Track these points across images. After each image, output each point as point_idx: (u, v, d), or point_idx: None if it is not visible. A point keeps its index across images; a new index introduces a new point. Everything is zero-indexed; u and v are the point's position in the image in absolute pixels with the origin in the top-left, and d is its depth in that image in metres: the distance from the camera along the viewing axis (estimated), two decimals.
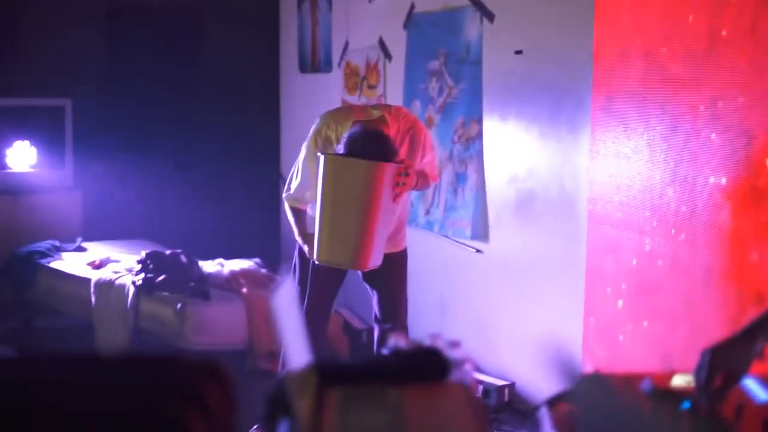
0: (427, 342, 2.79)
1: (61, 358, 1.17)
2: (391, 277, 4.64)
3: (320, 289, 4.71)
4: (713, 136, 3.53)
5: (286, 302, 1.91)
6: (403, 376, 2.15)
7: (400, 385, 2.06)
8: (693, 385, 2.06)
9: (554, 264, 4.62)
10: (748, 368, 2.04)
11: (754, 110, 3.35)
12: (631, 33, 3.99)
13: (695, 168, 3.63)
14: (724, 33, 3.48)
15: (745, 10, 3.36)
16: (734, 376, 2.03)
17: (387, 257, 4.55)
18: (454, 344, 2.66)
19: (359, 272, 4.63)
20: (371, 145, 4.16)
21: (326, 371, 1.99)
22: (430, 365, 2.19)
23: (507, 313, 5.01)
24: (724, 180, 3.48)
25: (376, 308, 4.72)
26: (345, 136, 4.22)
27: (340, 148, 4.17)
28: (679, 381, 2.16)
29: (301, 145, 4.50)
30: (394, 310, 4.72)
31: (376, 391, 2.02)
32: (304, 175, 4.46)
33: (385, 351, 2.50)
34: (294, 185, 4.51)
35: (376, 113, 4.42)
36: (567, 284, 4.47)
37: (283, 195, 4.60)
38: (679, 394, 2.07)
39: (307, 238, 4.50)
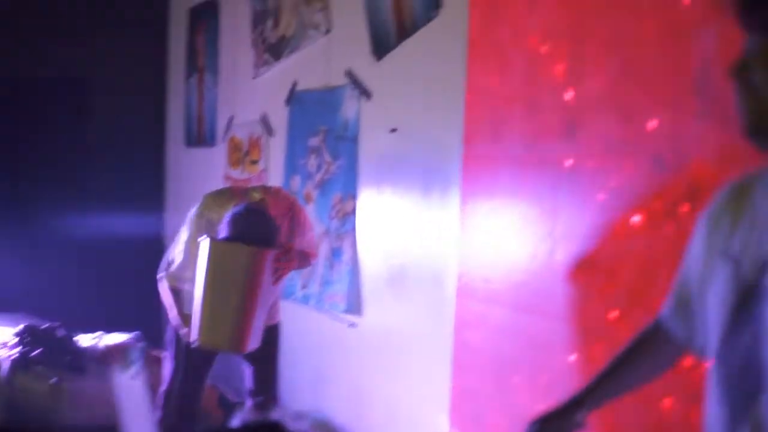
0: (273, 415, 2.81)
1: None
2: (265, 350, 4.65)
3: (194, 367, 4.72)
4: (567, 216, 3.64)
5: (127, 377, 1.92)
6: None
7: None
8: None
9: (425, 337, 4.67)
10: None
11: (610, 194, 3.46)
12: (499, 113, 4.10)
13: (554, 245, 3.72)
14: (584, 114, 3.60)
15: (606, 81, 3.49)
16: None
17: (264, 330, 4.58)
18: (299, 416, 2.68)
19: None
20: (254, 224, 4.22)
21: None
22: None
23: (380, 385, 5.03)
24: (578, 256, 3.58)
25: (248, 381, 4.73)
26: (227, 215, 4.26)
27: (223, 229, 4.21)
28: None
29: (184, 223, 4.53)
30: (267, 383, 4.74)
31: None
32: (185, 257, 4.47)
33: (232, 424, 2.51)
34: (175, 265, 4.52)
35: (256, 195, 4.48)
36: (436, 357, 4.51)
37: (160, 274, 4.59)
38: None
39: (185, 319, 4.50)
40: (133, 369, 2.36)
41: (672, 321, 2.17)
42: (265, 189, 4.74)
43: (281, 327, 4.86)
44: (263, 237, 4.25)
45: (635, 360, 2.26)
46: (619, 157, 3.43)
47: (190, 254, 4.44)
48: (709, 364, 1.91)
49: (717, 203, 1.99)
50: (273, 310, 4.68)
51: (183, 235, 4.53)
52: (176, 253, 4.56)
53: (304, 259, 4.67)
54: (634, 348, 2.27)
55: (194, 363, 4.70)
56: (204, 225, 4.42)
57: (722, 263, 1.87)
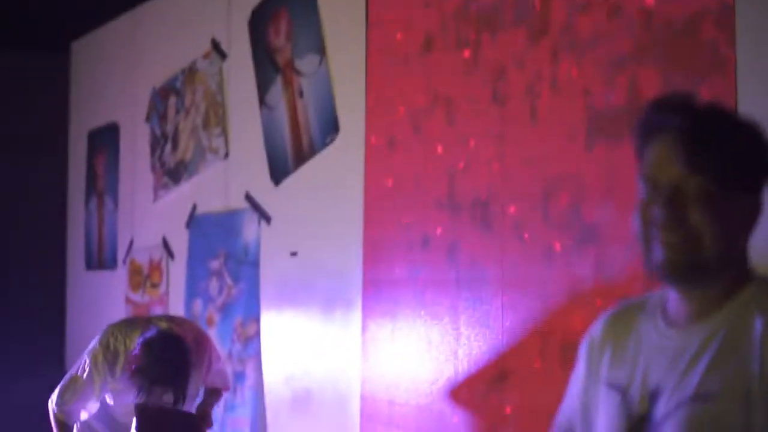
0: None
1: None
2: None
3: None
4: (469, 337, 3.70)
5: None
6: None
7: None
8: None
9: None
10: None
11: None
12: (397, 237, 4.17)
13: (455, 367, 3.77)
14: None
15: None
16: None
17: None
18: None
19: None
20: (169, 350, 4.12)
21: None
22: None
23: None
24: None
25: None
26: (138, 342, 4.17)
27: (136, 357, 4.10)
28: None
29: (83, 356, 4.38)
30: None
31: None
32: (87, 390, 4.33)
33: None
34: (69, 397, 4.38)
35: (162, 324, 4.41)
36: None
37: (53, 406, 4.41)
38: None
39: None
40: None
41: None
42: (170, 318, 4.69)
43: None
44: (181, 364, 4.14)
45: None
46: (517, 278, 3.52)
47: (93, 386, 4.32)
48: None
49: (598, 331, 2.01)
50: None
51: (83, 366, 4.35)
52: (70, 384, 4.36)
53: (216, 395, 4.63)
54: None
55: None
56: (111, 357, 4.28)
57: (608, 393, 1.90)
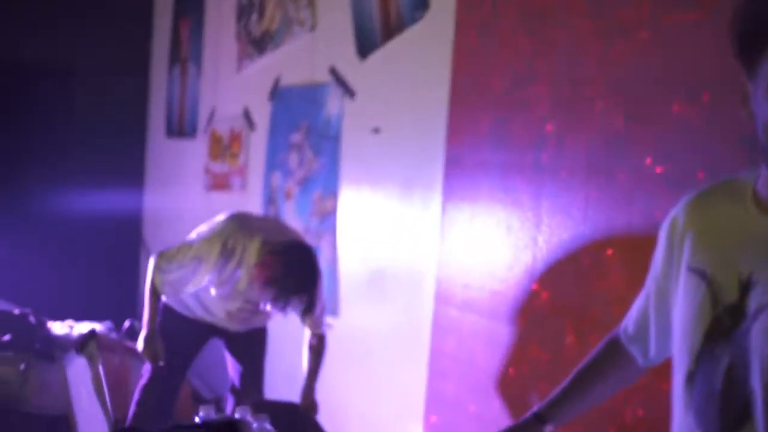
0: (237, 412, 2.79)
1: None
2: (253, 351, 4.66)
3: (175, 364, 4.67)
4: (550, 224, 3.62)
5: (79, 367, 1.89)
6: None
7: None
8: None
9: (402, 341, 4.65)
10: None
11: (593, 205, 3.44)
12: (483, 121, 4.08)
13: (534, 255, 3.70)
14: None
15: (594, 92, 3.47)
16: None
17: (251, 332, 4.58)
18: (262, 419, 2.65)
19: (222, 342, 4.65)
20: (304, 260, 4.13)
21: None
22: None
23: (354, 388, 5.01)
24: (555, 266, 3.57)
25: (236, 379, 4.70)
26: (267, 251, 4.10)
27: (268, 263, 4.03)
28: None
29: (200, 237, 4.32)
30: (256, 383, 4.72)
31: None
32: (187, 273, 4.31)
33: (197, 420, 2.49)
34: (167, 265, 4.34)
35: (283, 235, 4.34)
36: (412, 362, 4.49)
37: (154, 261, 4.39)
38: None
39: (152, 340, 4.43)
40: (93, 358, 2.33)
41: (632, 344, 2.15)
42: (285, 226, 4.63)
43: (267, 330, 4.85)
44: (315, 272, 4.17)
45: (601, 372, 2.22)
46: (606, 163, 3.42)
47: (198, 274, 4.29)
48: (677, 382, 1.87)
49: (681, 214, 1.94)
50: (264, 316, 4.68)
51: (194, 248, 4.29)
52: (179, 256, 4.32)
53: (315, 371, 4.58)
54: (599, 361, 2.23)
55: (175, 360, 4.66)
56: (227, 254, 4.22)
57: (690, 278, 1.83)
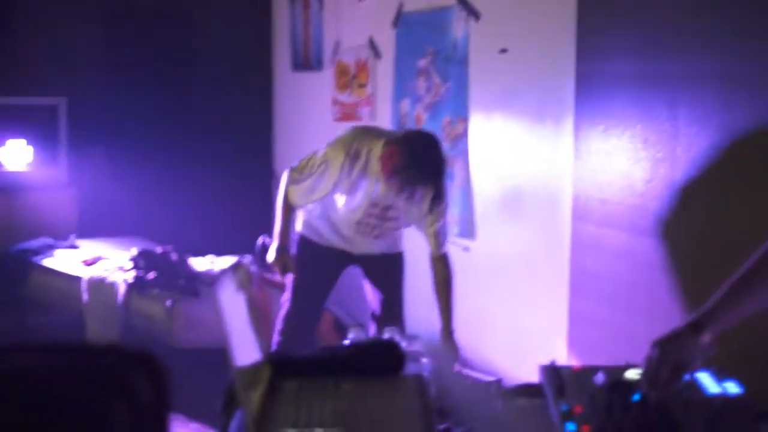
0: (385, 336, 2.82)
1: (41, 347, 1.17)
2: (391, 277, 4.69)
3: (311, 290, 4.74)
4: (688, 134, 3.56)
5: (231, 295, 1.93)
6: (358, 368, 2.17)
7: (354, 377, 2.08)
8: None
9: (540, 260, 4.64)
10: (695, 361, 2.04)
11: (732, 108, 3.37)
12: (613, 32, 4.01)
13: (673, 166, 3.65)
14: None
15: None
16: (681, 369, 2.03)
17: (388, 258, 4.61)
18: (412, 338, 2.68)
19: (360, 269, 4.68)
20: (430, 147, 4.01)
21: (281, 364, 2.00)
22: (385, 358, 2.21)
23: (494, 309, 5.03)
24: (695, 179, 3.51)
25: (376, 306, 4.74)
26: (392, 142, 4.04)
27: (393, 153, 3.96)
28: (632, 374, 2.17)
29: (325, 148, 4.31)
30: (396, 309, 4.76)
31: (328, 383, 2.03)
32: (316, 180, 4.31)
33: (344, 344, 2.53)
34: (298, 175, 4.37)
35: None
36: (552, 280, 4.49)
37: (288, 175, 4.43)
38: (631, 387, 2.08)
39: (283, 251, 4.48)
40: (241, 290, 2.39)
41: None
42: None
43: (404, 256, 4.85)
44: (441, 160, 4.02)
45: (761, 276, 2.13)
46: (747, 74, 3.34)
47: (326, 180, 4.29)
48: None
49: None
50: (397, 239, 4.68)
51: (321, 155, 4.30)
52: (309, 165, 4.34)
53: (448, 307, 4.51)
54: (758, 265, 2.14)
55: (313, 289, 4.73)
56: (352, 156, 4.18)
57: None
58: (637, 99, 3.88)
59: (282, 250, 4.49)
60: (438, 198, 4.09)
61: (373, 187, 4.18)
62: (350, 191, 4.27)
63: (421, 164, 3.94)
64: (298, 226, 4.66)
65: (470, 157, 5.10)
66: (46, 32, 7.99)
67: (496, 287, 4.99)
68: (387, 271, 4.69)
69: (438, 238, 4.35)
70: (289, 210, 4.50)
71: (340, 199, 4.38)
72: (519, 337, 4.82)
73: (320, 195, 4.37)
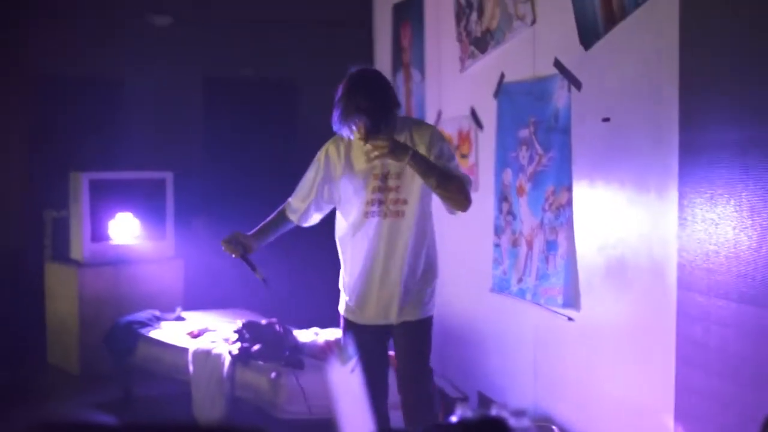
0: (492, 411, 2.79)
1: (152, 427, 1.20)
2: (419, 346, 4.73)
3: (366, 371, 4.69)
4: None
5: (344, 373, 1.94)
6: None
7: None
8: None
9: (645, 330, 4.57)
10: None
11: None
12: (717, 98, 3.98)
13: None
14: None
15: None
16: None
17: (418, 325, 4.68)
18: (519, 413, 2.65)
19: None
20: (368, 79, 4.47)
21: None
22: None
23: (599, 380, 4.96)
24: None
25: (400, 377, 4.74)
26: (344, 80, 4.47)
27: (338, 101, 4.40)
28: None
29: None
30: (421, 380, 4.73)
31: None
32: (305, 185, 4.85)
33: (451, 420, 2.50)
34: (293, 198, 4.94)
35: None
36: (658, 350, 4.42)
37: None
38: None
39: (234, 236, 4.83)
40: (351, 363, 2.38)
41: None
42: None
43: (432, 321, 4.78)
44: (379, 92, 4.41)
45: None
46: None
47: (311, 185, 4.78)
48: None
49: None
50: (422, 300, 4.68)
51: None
52: (300, 186, 4.88)
53: (446, 178, 4.46)
54: None
55: (366, 369, 4.69)
56: (323, 160, 4.71)
57: None
58: (742, 166, 3.83)
59: (239, 236, 4.83)
60: (374, 129, 4.34)
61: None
62: (349, 170, 4.59)
63: (351, 95, 4.35)
64: (340, 306, 4.85)
65: (574, 227, 5.06)
66: (152, 110, 8.19)
67: (601, 358, 4.93)
68: (413, 341, 4.67)
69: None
70: (280, 216, 4.93)
71: (348, 187, 4.62)
72: (624, 409, 4.74)
73: (314, 198, 4.76)
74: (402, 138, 4.49)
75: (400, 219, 4.58)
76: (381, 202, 4.57)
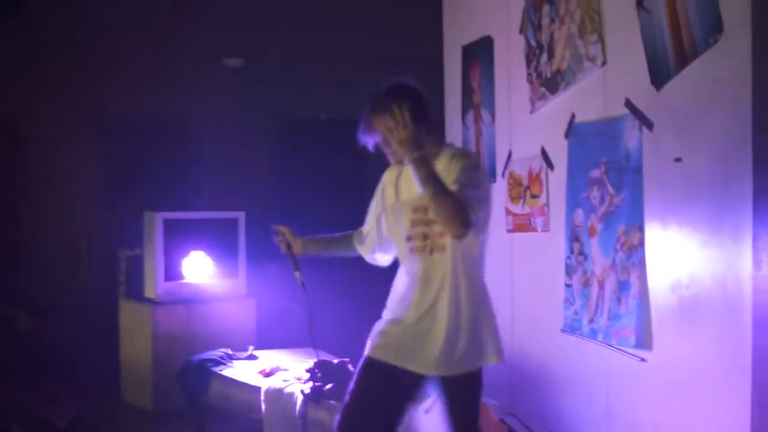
0: None
1: None
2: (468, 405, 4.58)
3: (368, 380, 4.57)
4: None
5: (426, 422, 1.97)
6: None
7: None
8: None
9: (719, 372, 4.54)
10: None
11: None
12: None
13: None
14: None
15: None
16: None
17: (467, 379, 4.52)
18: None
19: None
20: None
21: None
22: None
23: (672, 422, 4.92)
24: None
25: None
26: None
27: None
28: None
29: None
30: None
31: None
32: (368, 220, 4.96)
33: None
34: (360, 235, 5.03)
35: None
36: (733, 393, 4.39)
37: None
38: None
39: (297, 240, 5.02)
40: (427, 402, 2.39)
41: None
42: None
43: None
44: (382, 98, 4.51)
45: None
46: None
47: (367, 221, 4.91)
48: None
49: None
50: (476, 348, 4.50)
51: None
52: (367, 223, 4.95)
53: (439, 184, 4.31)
54: None
55: (368, 376, 4.55)
56: (380, 187, 4.85)
57: None
58: None
59: (289, 233, 4.97)
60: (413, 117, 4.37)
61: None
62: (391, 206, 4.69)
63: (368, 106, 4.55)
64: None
65: (646, 267, 5.05)
66: (225, 150, 8.31)
67: (673, 399, 4.89)
68: (463, 398, 4.53)
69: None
70: (346, 239, 5.03)
71: (393, 222, 4.67)
72: None
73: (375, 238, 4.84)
74: (442, 161, 4.46)
75: (439, 249, 4.48)
76: (424, 237, 4.49)
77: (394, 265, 4.83)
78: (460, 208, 4.17)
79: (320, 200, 8.26)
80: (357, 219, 8.04)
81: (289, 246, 4.89)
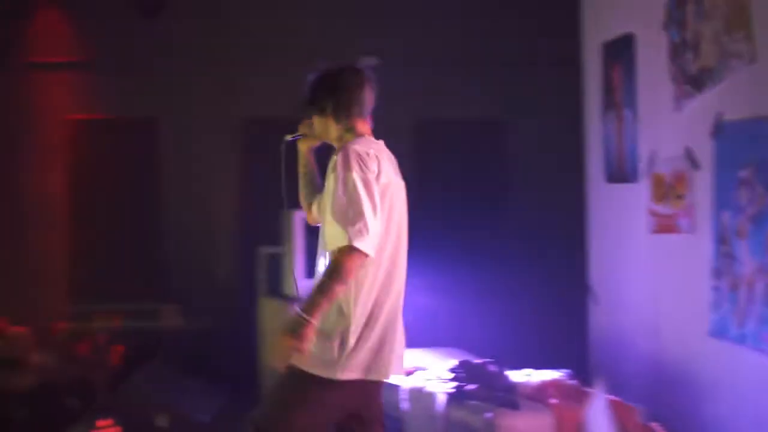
0: None
1: None
2: None
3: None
4: None
5: (599, 417, 1.96)
6: None
7: None
8: None
9: None
10: None
11: None
12: None
13: None
14: None
15: None
16: None
17: None
18: None
19: None
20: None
21: None
22: None
23: None
24: None
25: None
26: None
27: None
28: None
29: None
30: None
31: None
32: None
33: None
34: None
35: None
36: None
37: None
38: None
39: None
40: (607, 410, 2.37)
41: None
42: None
43: None
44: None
45: None
46: None
47: None
48: None
49: None
50: None
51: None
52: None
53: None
54: None
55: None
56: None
57: None
58: None
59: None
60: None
61: None
62: None
63: None
64: None
65: None
66: None
67: None
68: None
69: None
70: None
71: None
72: None
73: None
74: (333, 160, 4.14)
75: None
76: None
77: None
78: (331, 277, 3.96)
79: (458, 201, 8.23)
80: (495, 218, 8.03)
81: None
